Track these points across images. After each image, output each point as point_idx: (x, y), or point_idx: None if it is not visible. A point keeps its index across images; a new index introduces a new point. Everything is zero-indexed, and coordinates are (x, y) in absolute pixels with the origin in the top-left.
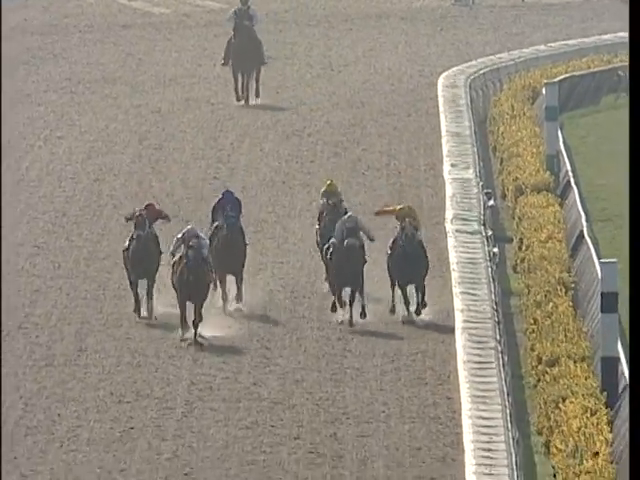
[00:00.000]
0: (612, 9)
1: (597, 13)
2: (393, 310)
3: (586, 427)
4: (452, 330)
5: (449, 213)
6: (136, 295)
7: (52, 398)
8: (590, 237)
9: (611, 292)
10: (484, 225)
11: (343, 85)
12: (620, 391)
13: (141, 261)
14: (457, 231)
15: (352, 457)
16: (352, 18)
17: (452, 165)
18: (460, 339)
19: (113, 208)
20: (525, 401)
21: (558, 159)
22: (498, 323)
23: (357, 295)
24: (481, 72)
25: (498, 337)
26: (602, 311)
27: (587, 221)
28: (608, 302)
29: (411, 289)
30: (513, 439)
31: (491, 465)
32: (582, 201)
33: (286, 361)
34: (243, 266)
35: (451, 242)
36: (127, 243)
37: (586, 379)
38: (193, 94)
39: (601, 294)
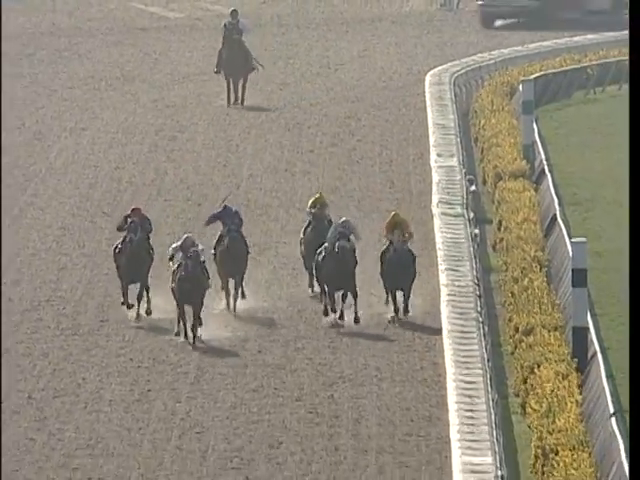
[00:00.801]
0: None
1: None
2: (397, 311)
3: (558, 390)
4: (438, 303)
5: (435, 197)
6: (125, 296)
7: (77, 364)
8: (562, 219)
9: (581, 268)
10: (466, 208)
11: (339, 82)
12: (589, 357)
13: (133, 265)
14: (442, 214)
15: (347, 417)
16: (347, 22)
17: (438, 154)
18: (445, 311)
19: (132, 193)
20: (503, 366)
21: (533, 149)
22: (479, 297)
23: (350, 299)
24: (464, 70)
25: (479, 309)
26: (573, 286)
27: (559, 205)
28: (578, 277)
29: (400, 294)
30: (493, 400)
31: (473, 425)
32: (555, 186)
33: (288, 331)
34: (244, 271)
35: (437, 223)
36: (120, 245)
37: (558, 347)
38: (205, 90)
39: (572, 270)
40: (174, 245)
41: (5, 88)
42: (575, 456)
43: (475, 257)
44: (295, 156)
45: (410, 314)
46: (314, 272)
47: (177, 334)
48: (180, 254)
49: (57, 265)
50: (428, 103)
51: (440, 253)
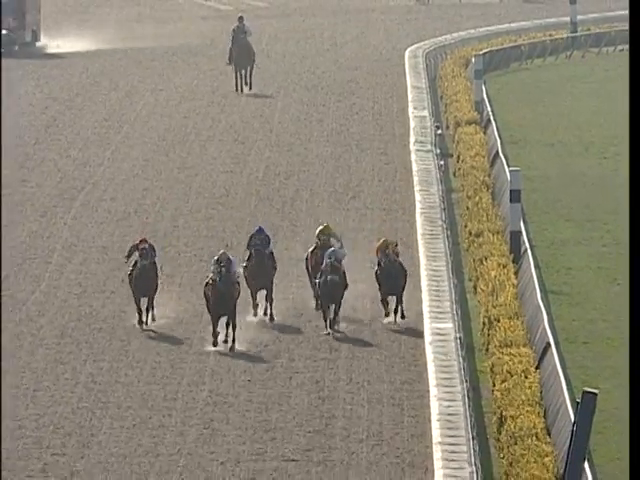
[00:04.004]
0: (517, 7)
1: (507, 9)
2: (387, 314)
3: (500, 276)
4: (413, 214)
5: (412, 138)
6: (139, 310)
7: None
8: (502, 154)
9: (516, 189)
10: (434, 146)
11: (343, 56)
12: (521, 253)
13: (144, 285)
14: (417, 150)
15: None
16: (350, 11)
17: (414, 107)
18: (419, 219)
19: (195, 135)
20: (461, 259)
21: (482, 104)
22: (444, 209)
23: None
24: (433, 47)
25: (444, 218)
26: (510, 201)
27: (501, 143)
28: (514, 196)
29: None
30: (454, 284)
31: (439, 300)
32: (497, 130)
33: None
34: (272, 285)
35: (413, 157)
36: (131, 269)
37: (500, 245)
38: None
39: (510, 190)
40: (214, 259)
41: (106, 61)
42: (512, 323)
43: (441, 181)
44: (312, 108)
45: (406, 319)
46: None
47: (214, 344)
48: (214, 267)
49: (140, 187)
50: (407, 71)
51: (415, 179)
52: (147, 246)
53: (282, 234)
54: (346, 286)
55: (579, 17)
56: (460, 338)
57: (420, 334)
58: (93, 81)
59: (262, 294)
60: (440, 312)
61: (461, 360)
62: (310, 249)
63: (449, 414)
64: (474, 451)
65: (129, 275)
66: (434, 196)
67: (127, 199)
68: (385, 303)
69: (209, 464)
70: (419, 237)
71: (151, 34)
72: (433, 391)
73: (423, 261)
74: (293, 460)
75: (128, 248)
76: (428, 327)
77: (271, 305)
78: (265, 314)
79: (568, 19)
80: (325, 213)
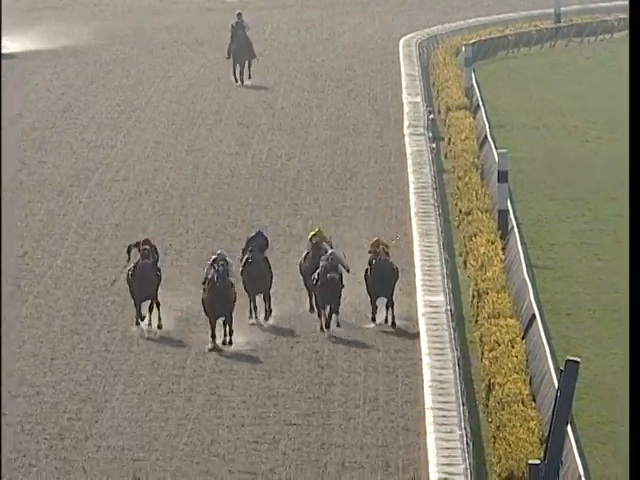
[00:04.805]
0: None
1: (495, 1)
2: (374, 319)
3: (488, 252)
4: (407, 194)
5: (406, 123)
6: (139, 311)
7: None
8: (490, 137)
9: (503, 170)
10: (427, 130)
11: (341, 45)
12: (509, 230)
13: (146, 287)
14: (411, 134)
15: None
16: (347, 3)
17: (408, 94)
18: (412, 198)
19: (202, 119)
20: (452, 236)
21: (471, 90)
22: (435, 189)
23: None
24: (425, 37)
25: (435, 197)
26: (498, 182)
27: (489, 127)
28: (502, 176)
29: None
30: (445, 259)
31: (431, 274)
32: (486, 115)
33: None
34: (269, 288)
35: (407, 140)
36: (132, 269)
37: (488, 223)
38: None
39: (498, 172)
40: (209, 262)
41: (119, 50)
42: (499, 296)
43: (433, 163)
44: (312, 95)
45: (397, 325)
46: (310, 293)
47: (213, 349)
48: (211, 269)
49: (152, 167)
50: (401, 59)
51: (409, 160)
52: (148, 247)
53: (284, 212)
54: (343, 286)
55: (562, 9)
56: (451, 310)
57: (414, 307)
58: (107, 69)
59: (260, 298)
60: (432, 286)
61: (452, 331)
62: (303, 254)
63: (440, 381)
64: (464, 416)
65: (129, 275)
66: (427, 177)
67: (138, 179)
68: (374, 306)
69: (215, 428)
70: (412, 215)
71: (161, 25)
72: (425, 359)
73: (416, 238)
74: (294, 424)
75: (127, 247)
76: (421, 299)
77: (269, 308)
78: (265, 318)
79: (552, 11)
80: (324, 192)
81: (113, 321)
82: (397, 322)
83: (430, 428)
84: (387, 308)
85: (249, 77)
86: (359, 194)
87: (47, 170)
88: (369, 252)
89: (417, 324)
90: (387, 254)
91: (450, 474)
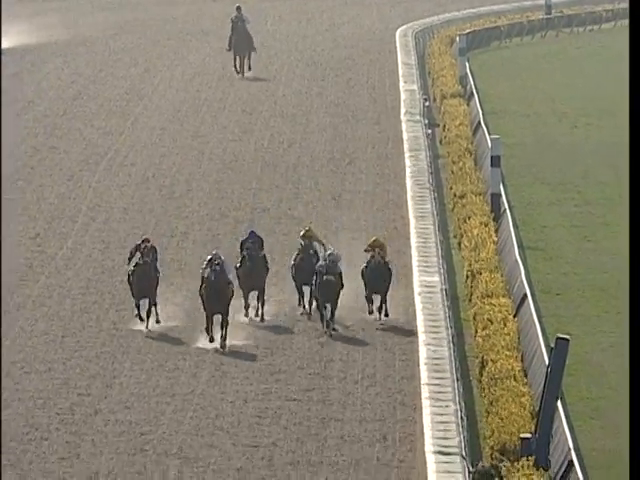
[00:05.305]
0: None
1: None
2: (371, 312)
3: (481, 233)
4: (403, 178)
5: (403, 110)
6: (138, 310)
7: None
8: (484, 123)
9: (496, 155)
10: (423, 116)
11: (341, 35)
12: (501, 212)
13: (145, 284)
14: (408, 120)
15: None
16: None
17: (404, 82)
18: (409, 182)
19: (207, 106)
20: (446, 219)
21: (465, 78)
22: (431, 173)
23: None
24: (421, 27)
25: (431, 181)
26: (491, 166)
27: (482, 114)
28: (494, 161)
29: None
30: (440, 240)
31: (426, 255)
32: (479, 102)
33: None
34: (264, 286)
35: (404, 127)
36: (132, 267)
37: (482, 206)
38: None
39: (491, 157)
40: (206, 260)
41: (127, 39)
42: (492, 276)
43: (428, 148)
44: (312, 83)
45: (390, 317)
46: (311, 295)
47: (211, 340)
48: (208, 268)
49: (159, 152)
50: (398, 49)
51: (406, 145)
52: (149, 245)
53: (285, 196)
54: (342, 286)
55: (553, 0)
56: (446, 289)
57: (410, 287)
58: (115, 58)
59: (254, 296)
60: (428, 266)
61: (446, 309)
62: (294, 255)
63: (436, 358)
64: (458, 391)
65: (129, 275)
66: (422, 162)
67: (146, 164)
68: (370, 301)
69: (219, 403)
70: (409, 198)
71: (167, 16)
72: (421, 337)
73: (412, 220)
74: (295, 399)
75: (130, 250)
76: (417, 280)
77: (262, 306)
78: (257, 315)
79: (543, 2)
80: (324, 177)
81: (121, 300)
82: (389, 314)
83: (426, 403)
84: (381, 304)
85: (249, 69)
86: (357, 178)
87: (58, 155)
88: (365, 250)
89: (413, 303)
90: (383, 257)
91: (445, 447)
